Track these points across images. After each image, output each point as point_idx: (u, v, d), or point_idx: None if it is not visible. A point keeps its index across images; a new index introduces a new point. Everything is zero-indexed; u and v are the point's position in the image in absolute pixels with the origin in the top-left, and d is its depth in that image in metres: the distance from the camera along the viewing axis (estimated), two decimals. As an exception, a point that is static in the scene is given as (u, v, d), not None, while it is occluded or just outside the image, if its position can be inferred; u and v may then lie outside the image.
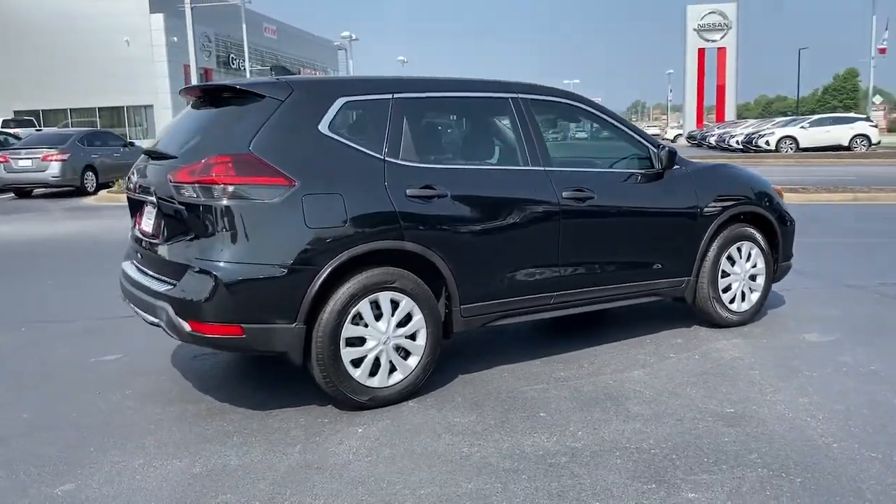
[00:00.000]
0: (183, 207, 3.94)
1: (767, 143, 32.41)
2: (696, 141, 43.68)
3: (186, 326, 3.85)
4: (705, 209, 5.33)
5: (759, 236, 5.67)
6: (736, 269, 5.58)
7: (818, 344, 5.21)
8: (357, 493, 3.21)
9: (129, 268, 4.60)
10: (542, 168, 4.72)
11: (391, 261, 4.12)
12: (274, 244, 3.86)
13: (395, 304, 4.15)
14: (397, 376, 4.19)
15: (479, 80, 4.80)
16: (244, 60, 47.70)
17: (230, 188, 3.80)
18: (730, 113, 49.23)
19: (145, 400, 4.40)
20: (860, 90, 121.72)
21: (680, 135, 57.34)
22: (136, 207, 4.66)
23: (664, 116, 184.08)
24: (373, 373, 4.13)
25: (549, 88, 5.01)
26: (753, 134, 34.33)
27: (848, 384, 4.38)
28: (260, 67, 42.06)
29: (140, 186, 4.43)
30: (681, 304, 5.60)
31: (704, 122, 49.45)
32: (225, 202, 3.80)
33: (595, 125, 5.40)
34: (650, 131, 61.36)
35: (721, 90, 49.14)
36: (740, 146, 34.57)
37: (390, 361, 4.17)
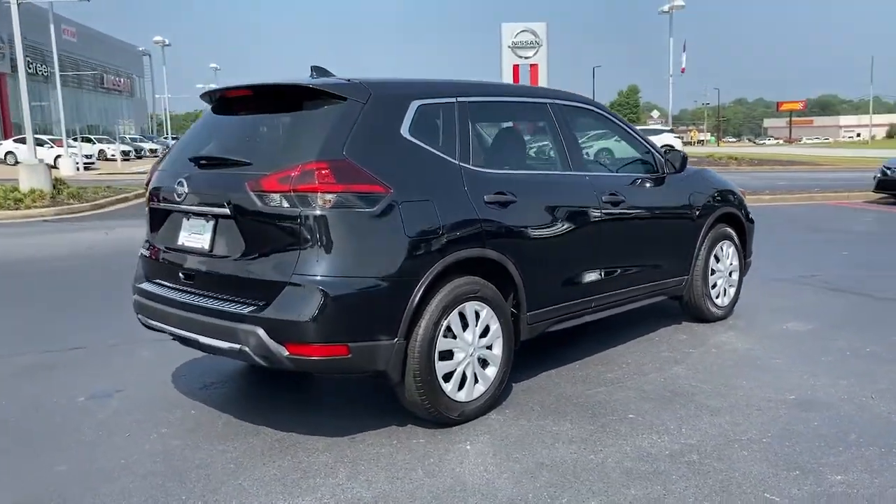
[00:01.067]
0: (270, 218, 3.56)
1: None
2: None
3: (283, 350, 3.47)
4: (699, 211, 5.64)
5: (735, 235, 6.09)
6: (720, 266, 5.96)
7: (805, 332, 5.67)
8: (533, 512, 3.06)
9: (160, 289, 4.08)
10: (584, 173, 4.79)
11: (471, 269, 3.98)
12: (377, 255, 3.59)
13: (476, 315, 4.01)
14: (479, 388, 4.05)
15: (521, 84, 4.76)
16: (41, 64, 43.35)
17: (330, 196, 3.48)
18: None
19: (193, 437, 3.90)
20: (640, 105, 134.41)
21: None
22: (163, 219, 4.14)
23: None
24: (459, 387, 3.96)
25: (573, 95, 5.08)
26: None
27: (865, 366, 4.81)
28: (75, 73, 38.29)
29: (182, 196, 3.93)
30: (671, 301, 5.86)
31: (522, 135, 51.93)
32: (325, 211, 3.48)
33: (609, 130, 5.54)
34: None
35: (535, 104, 51.82)
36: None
37: (474, 374, 4.02)
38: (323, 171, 3.48)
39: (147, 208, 4.33)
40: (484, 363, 4.08)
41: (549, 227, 4.39)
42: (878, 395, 4.27)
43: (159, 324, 4.04)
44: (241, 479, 3.40)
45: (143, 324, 4.24)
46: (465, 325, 3.94)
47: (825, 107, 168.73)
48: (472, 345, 3.98)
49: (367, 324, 3.55)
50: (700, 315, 5.88)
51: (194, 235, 3.92)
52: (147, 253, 4.32)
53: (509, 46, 53.39)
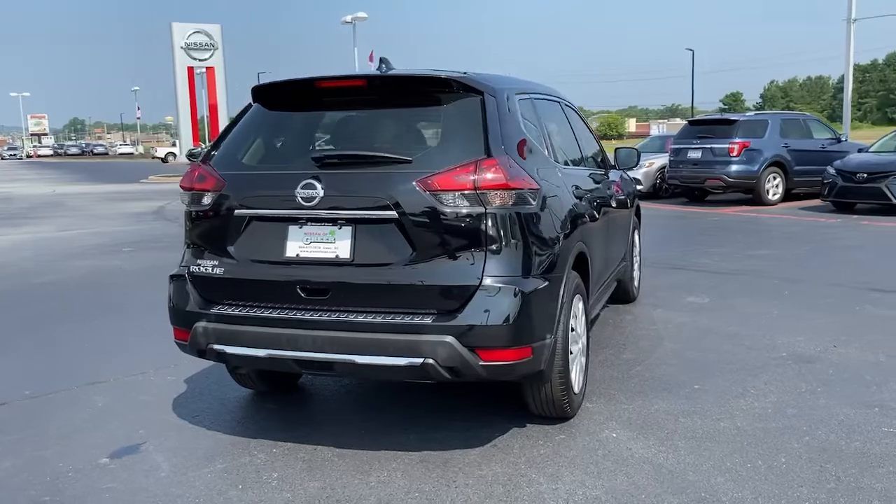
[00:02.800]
0: (447, 219, 3.27)
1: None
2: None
3: (477, 359, 3.23)
4: (630, 202, 6.27)
5: (639, 223, 6.84)
6: (636, 251, 6.66)
7: (730, 305, 6.56)
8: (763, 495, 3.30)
9: (256, 310, 3.50)
10: (594, 169, 5.10)
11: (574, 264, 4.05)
12: (543, 251, 3.51)
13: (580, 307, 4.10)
14: (580, 380, 4.13)
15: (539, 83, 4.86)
16: None
17: (510, 193, 3.32)
18: (225, 131, 50.53)
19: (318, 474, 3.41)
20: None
21: (172, 153, 56.27)
22: (242, 229, 3.53)
23: (109, 135, 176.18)
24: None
25: (554, 90, 5.28)
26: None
27: (834, 323, 5.81)
28: None
29: (314, 199, 3.38)
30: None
31: (200, 141, 49.57)
32: (506, 209, 3.31)
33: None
34: (162, 151, 58.69)
35: (214, 109, 49.79)
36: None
37: (580, 365, 4.10)
38: (500, 168, 3.31)
39: (204, 218, 3.64)
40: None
41: (596, 221, 4.60)
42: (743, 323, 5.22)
43: (262, 350, 3.43)
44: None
45: (218, 354, 3.56)
46: (575, 318, 4.00)
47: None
48: (581, 336, 4.05)
49: (541, 322, 3.45)
50: (626, 297, 6.50)
51: (318, 245, 3.41)
52: (212, 271, 3.61)
53: (182, 47, 50.89)
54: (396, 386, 4.55)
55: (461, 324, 3.20)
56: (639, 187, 16.46)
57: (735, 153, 14.86)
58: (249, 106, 3.89)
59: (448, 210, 3.25)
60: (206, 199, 3.63)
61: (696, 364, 4.86)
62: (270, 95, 3.84)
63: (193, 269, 3.68)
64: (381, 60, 3.92)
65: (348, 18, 39.97)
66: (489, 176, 3.26)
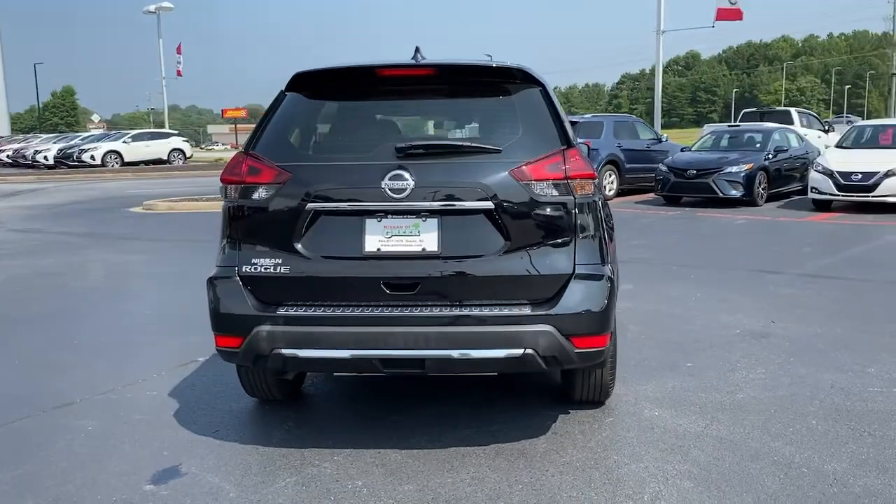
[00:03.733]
0: (540, 208, 3.28)
1: (93, 157, 31.67)
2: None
3: (573, 347, 3.28)
4: None
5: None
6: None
7: (655, 290, 7.03)
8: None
9: (334, 310, 3.29)
10: None
11: None
12: (609, 239, 3.63)
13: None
14: (608, 363, 4.27)
15: None
16: None
17: (593, 183, 3.41)
18: (1, 128, 45.32)
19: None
20: (78, 107, 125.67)
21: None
22: (312, 223, 3.32)
23: None
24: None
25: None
26: (71, 148, 33.00)
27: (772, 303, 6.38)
28: None
29: (404, 191, 3.25)
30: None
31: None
32: (591, 198, 3.38)
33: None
34: None
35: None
36: (53, 161, 32.71)
37: (609, 349, 4.25)
38: (582, 158, 3.39)
39: (259, 213, 3.38)
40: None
41: None
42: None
43: (346, 352, 3.24)
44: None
45: (286, 359, 3.31)
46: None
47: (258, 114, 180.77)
48: (612, 321, 4.21)
49: (615, 308, 3.56)
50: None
51: (401, 238, 3.27)
52: (275, 271, 3.34)
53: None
54: (394, 383, 4.45)
55: (560, 312, 3.23)
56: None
57: (578, 152, 15.81)
58: (283, 94, 3.63)
59: (541, 199, 3.27)
60: (263, 193, 3.35)
61: (672, 344, 5.20)
62: (319, 83, 3.61)
63: (247, 269, 3.38)
64: (417, 50, 3.82)
65: (151, 8, 37.48)
66: (575, 165, 3.32)
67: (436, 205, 3.25)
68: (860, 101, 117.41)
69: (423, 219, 3.28)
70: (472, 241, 3.28)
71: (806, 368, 4.63)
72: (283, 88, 3.65)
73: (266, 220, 3.38)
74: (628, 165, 16.64)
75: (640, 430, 3.77)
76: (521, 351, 3.19)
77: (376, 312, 3.25)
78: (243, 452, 3.60)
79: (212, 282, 3.45)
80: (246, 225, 3.41)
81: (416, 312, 3.23)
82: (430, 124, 3.64)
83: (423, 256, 3.26)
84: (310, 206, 3.30)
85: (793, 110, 22.20)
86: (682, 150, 16.46)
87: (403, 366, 3.37)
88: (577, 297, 3.27)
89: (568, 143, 3.36)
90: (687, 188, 14.66)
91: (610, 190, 16.32)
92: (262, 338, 3.28)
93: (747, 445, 3.56)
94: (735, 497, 3.06)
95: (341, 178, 3.32)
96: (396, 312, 3.24)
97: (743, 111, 23.16)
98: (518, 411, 4.02)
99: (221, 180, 3.48)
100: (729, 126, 19.44)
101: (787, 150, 15.32)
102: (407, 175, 3.23)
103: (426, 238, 3.27)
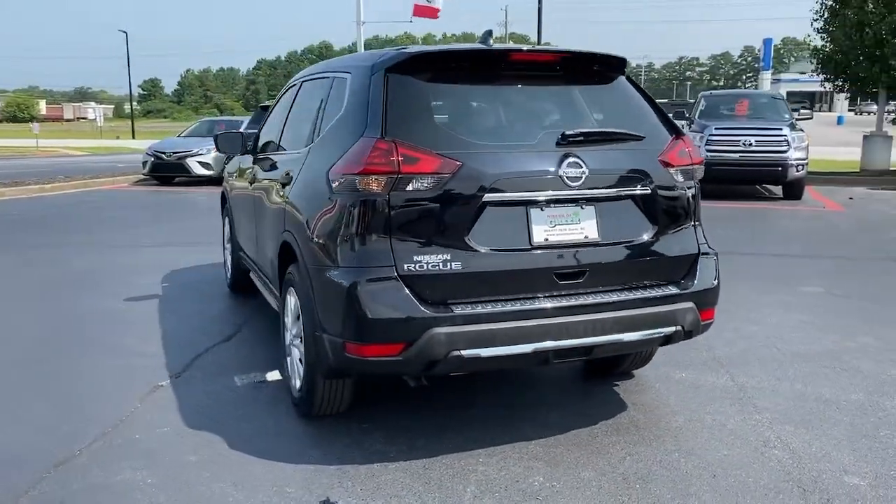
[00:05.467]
0: (674, 192, 3.49)
1: None
2: None
3: (701, 319, 3.56)
4: None
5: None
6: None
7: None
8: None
9: (508, 304, 3.15)
10: None
11: None
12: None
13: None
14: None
15: None
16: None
17: (701, 168, 3.71)
18: None
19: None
20: None
21: None
22: (477, 215, 3.13)
23: None
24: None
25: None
26: None
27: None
28: None
29: (577, 180, 3.23)
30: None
31: None
32: (696, 182, 3.69)
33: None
34: None
35: None
36: None
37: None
38: (694, 145, 3.68)
39: (418, 205, 3.09)
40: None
41: None
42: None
43: (528, 346, 3.13)
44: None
45: (465, 360, 3.08)
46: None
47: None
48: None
49: None
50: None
51: (564, 227, 3.24)
52: (445, 268, 3.06)
53: None
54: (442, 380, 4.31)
55: (697, 289, 3.50)
56: (210, 172, 16.24)
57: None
58: (385, 75, 3.30)
59: (677, 184, 3.50)
60: (426, 184, 3.05)
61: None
62: (437, 66, 3.35)
63: (409, 267, 3.05)
64: (489, 33, 3.74)
65: None
66: (695, 152, 3.60)
67: (599, 192, 3.28)
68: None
69: (582, 206, 3.29)
70: (626, 227, 3.38)
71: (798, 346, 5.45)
72: (385, 68, 3.32)
73: (430, 214, 3.08)
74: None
75: (710, 426, 3.72)
76: (673, 329, 3.39)
77: (553, 304, 3.19)
78: (383, 472, 3.24)
79: (358, 285, 3.04)
80: (401, 219, 3.07)
81: (589, 300, 3.25)
82: (559, 111, 3.58)
83: (587, 244, 3.28)
84: (486, 196, 3.10)
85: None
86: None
87: (574, 354, 3.34)
88: (705, 275, 3.55)
89: (678, 131, 3.61)
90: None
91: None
92: (439, 341, 3.01)
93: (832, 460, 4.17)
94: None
95: (515, 166, 3.18)
96: (572, 302, 3.22)
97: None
98: (566, 399, 4.15)
99: (356, 172, 3.07)
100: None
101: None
102: (581, 162, 3.21)
103: (586, 226, 3.29)
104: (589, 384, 4.28)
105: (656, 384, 4.26)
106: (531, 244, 3.19)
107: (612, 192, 3.33)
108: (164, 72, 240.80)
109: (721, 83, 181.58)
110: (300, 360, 3.69)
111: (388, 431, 3.62)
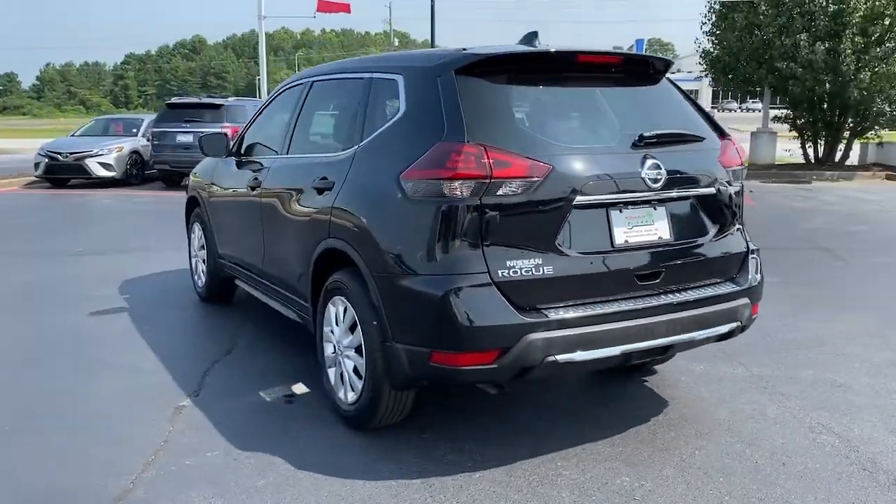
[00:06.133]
0: (730, 192, 3.60)
1: None
2: None
3: (752, 315, 3.71)
4: None
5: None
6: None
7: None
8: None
9: (595, 308, 3.16)
10: None
11: None
12: None
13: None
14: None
15: None
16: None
17: (744, 170, 3.84)
18: None
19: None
20: None
21: None
22: (562, 219, 3.12)
23: None
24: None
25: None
26: None
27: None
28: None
29: (657, 181, 3.28)
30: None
31: None
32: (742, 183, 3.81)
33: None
34: None
35: None
36: None
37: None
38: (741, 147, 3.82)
39: (510, 210, 3.04)
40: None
41: None
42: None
43: (617, 348, 3.15)
44: (775, 440, 3.60)
45: (561, 365, 3.07)
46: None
47: None
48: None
49: None
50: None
51: (640, 228, 3.28)
52: (538, 272, 3.04)
53: None
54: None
55: (750, 285, 3.63)
56: (111, 174, 15.38)
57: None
58: (454, 79, 3.23)
59: (732, 184, 3.62)
60: (517, 188, 3.01)
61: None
62: (506, 67, 3.30)
63: (503, 273, 3.01)
64: (534, 34, 3.74)
65: None
66: (741, 153, 3.74)
67: (672, 193, 3.34)
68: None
69: (654, 207, 3.34)
70: (692, 227, 3.46)
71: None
72: (454, 70, 3.25)
73: (520, 218, 3.04)
74: (271, 151, 16.49)
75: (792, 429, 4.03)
76: (735, 325, 3.52)
77: (636, 305, 3.22)
78: (469, 482, 3.18)
79: (452, 293, 2.97)
80: (493, 224, 3.01)
81: (667, 300, 3.31)
82: (624, 112, 3.59)
83: (661, 245, 3.34)
84: (576, 199, 3.09)
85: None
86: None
87: (654, 354, 3.40)
88: (754, 271, 3.69)
89: (724, 132, 3.73)
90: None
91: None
92: (536, 347, 2.99)
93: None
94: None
95: (600, 168, 3.18)
96: (652, 302, 3.27)
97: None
98: (613, 388, 4.23)
99: (443, 176, 2.99)
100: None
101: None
102: (660, 164, 3.26)
103: (659, 226, 3.34)
104: (619, 382, 4.33)
105: (681, 377, 4.39)
106: (613, 246, 3.22)
107: (682, 192, 3.40)
108: (20, 66, 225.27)
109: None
110: (354, 371, 3.56)
111: (451, 440, 3.55)
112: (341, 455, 3.42)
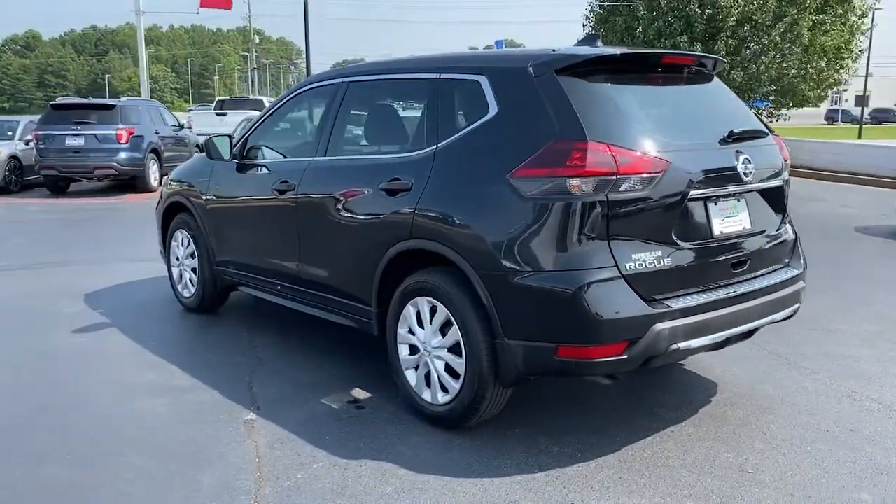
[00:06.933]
0: (784, 183, 3.88)
1: None
2: None
3: None
4: None
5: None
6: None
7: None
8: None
9: (702, 296, 3.35)
10: None
11: None
12: None
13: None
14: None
15: None
16: None
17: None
18: None
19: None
20: None
21: None
22: (669, 212, 3.29)
23: None
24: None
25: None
26: None
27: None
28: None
29: (748, 175, 3.51)
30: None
31: None
32: None
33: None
34: None
35: None
36: None
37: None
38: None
39: (636, 205, 3.18)
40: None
41: None
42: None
43: (723, 333, 3.37)
44: (830, 410, 3.94)
45: (681, 352, 3.24)
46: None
47: None
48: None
49: None
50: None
51: (730, 219, 3.49)
52: (659, 264, 3.19)
53: None
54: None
55: (804, 269, 3.95)
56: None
57: (123, 140, 14.32)
58: (556, 78, 3.32)
59: (787, 175, 3.90)
60: (639, 184, 3.14)
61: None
62: (604, 67, 3.41)
63: (630, 266, 3.13)
64: (596, 36, 3.89)
65: None
66: (786, 147, 4.04)
67: (755, 185, 3.58)
68: (209, 91, 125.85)
69: (738, 199, 3.57)
70: (764, 216, 3.73)
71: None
72: (554, 70, 3.33)
73: (642, 212, 3.18)
74: (166, 154, 15.77)
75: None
76: (797, 305, 3.82)
77: (735, 291, 3.44)
78: (596, 472, 3.27)
79: (585, 288, 3.06)
80: (618, 219, 3.12)
81: (755, 285, 3.55)
82: (704, 109, 3.76)
83: (746, 234, 3.58)
84: (690, 193, 3.26)
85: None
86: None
87: (744, 338, 3.63)
88: (802, 257, 4.01)
89: (769, 128, 4.02)
90: None
91: (154, 180, 15.23)
92: (662, 336, 3.14)
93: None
94: None
95: (706, 163, 3.37)
96: (746, 288, 3.50)
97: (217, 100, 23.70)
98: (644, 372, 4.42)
99: (570, 174, 3.07)
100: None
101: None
102: (750, 158, 3.49)
103: (742, 217, 3.58)
104: (663, 371, 4.46)
105: (709, 360, 4.66)
106: (712, 237, 3.41)
107: (761, 185, 3.65)
108: None
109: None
110: (446, 370, 3.56)
111: (546, 433, 3.63)
112: (453, 456, 3.41)
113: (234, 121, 20.91)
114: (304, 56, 21.93)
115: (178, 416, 3.87)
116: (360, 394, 4.13)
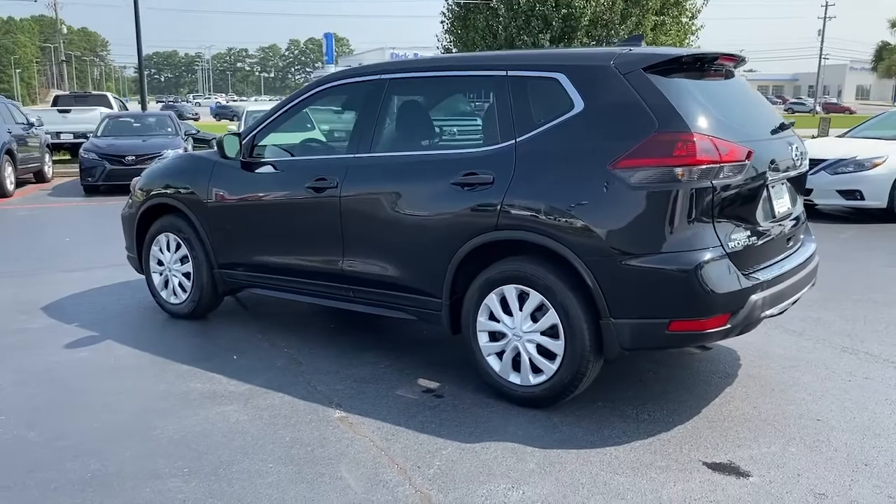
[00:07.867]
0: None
1: None
2: None
3: None
4: None
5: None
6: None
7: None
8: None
9: (772, 269, 3.79)
10: None
11: None
12: None
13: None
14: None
15: None
16: None
17: None
18: None
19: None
20: None
21: None
22: (750, 197, 3.71)
23: None
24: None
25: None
26: None
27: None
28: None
29: (798, 162, 4.04)
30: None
31: None
32: None
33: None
34: None
35: None
36: None
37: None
38: None
39: (733, 190, 3.55)
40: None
41: None
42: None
43: (787, 301, 3.83)
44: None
45: (762, 319, 3.66)
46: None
47: None
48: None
49: None
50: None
51: (779, 201, 3.94)
52: (750, 242, 3.62)
53: None
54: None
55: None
56: None
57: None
58: (645, 75, 3.62)
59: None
60: (733, 171, 3.51)
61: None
62: (678, 66, 3.72)
63: (731, 245, 3.51)
64: (640, 38, 4.24)
65: None
66: None
67: (793, 173, 4.07)
68: (8, 86, 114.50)
69: (782, 184, 4.04)
70: (794, 197, 4.22)
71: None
72: (642, 67, 3.62)
73: (736, 196, 3.55)
74: (20, 155, 14.46)
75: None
76: (814, 279, 4.37)
77: (790, 264, 3.91)
78: (681, 442, 3.61)
79: (700, 266, 3.38)
80: (721, 203, 3.47)
81: (799, 259, 4.04)
82: (746, 103, 4.12)
83: (789, 214, 4.07)
84: (770, 177, 3.67)
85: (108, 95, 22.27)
86: (94, 137, 15.17)
87: (789, 307, 4.08)
88: (811, 233, 4.59)
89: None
90: (128, 175, 13.87)
91: (11, 184, 13.92)
92: (757, 306, 3.54)
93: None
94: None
95: (774, 152, 3.80)
96: (797, 261, 3.98)
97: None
98: (679, 358, 4.83)
99: (680, 163, 3.38)
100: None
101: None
102: (798, 147, 3.98)
103: (786, 199, 4.06)
104: (681, 353, 4.82)
105: (744, 339, 4.92)
106: (774, 216, 3.86)
107: (798, 171, 4.15)
108: None
109: (272, 74, 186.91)
110: (539, 352, 3.75)
111: (626, 403, 3.93)
112: (563, 431, 3.59)
113: (81, 118, 19.42)
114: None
115: (265, 421, 3.77)
116: (428, 384, 4.21)
